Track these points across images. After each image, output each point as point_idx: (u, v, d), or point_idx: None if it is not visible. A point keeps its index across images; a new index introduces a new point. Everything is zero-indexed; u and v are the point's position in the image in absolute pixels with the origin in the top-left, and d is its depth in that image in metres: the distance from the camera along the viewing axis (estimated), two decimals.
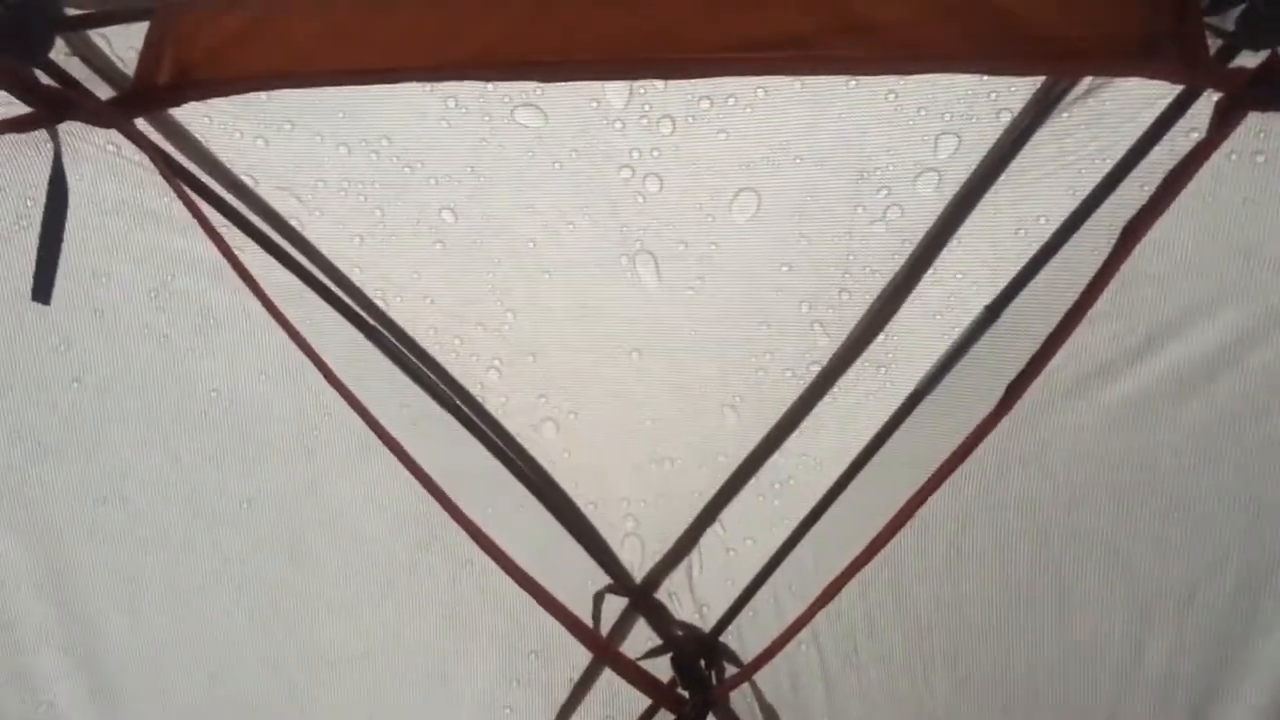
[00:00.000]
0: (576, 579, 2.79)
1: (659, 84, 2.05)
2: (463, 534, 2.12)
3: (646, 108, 2.08)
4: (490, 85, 2.04)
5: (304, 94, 2.08)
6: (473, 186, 2.22)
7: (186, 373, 2.34)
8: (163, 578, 2.48)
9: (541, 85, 2.04)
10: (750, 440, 2.58)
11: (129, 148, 2.12)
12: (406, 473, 2.07)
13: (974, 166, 2.10)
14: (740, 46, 1.76)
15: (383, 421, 2.01)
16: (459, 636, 2.80)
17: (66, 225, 2.04)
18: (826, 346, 2.39)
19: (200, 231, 2.06)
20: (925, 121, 2.04)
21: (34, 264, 2.00)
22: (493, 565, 2.11)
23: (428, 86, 2.06)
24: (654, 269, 2.31)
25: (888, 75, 1.94)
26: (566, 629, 2.24)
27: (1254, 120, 1.70)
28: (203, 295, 2.28)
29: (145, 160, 2.11)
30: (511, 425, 2.62)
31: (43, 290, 2.00)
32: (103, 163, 2.15)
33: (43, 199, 2.06)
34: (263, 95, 2.08)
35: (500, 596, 2.66)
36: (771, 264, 2.28)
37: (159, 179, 2.10)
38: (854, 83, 1.98)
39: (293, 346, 2.06)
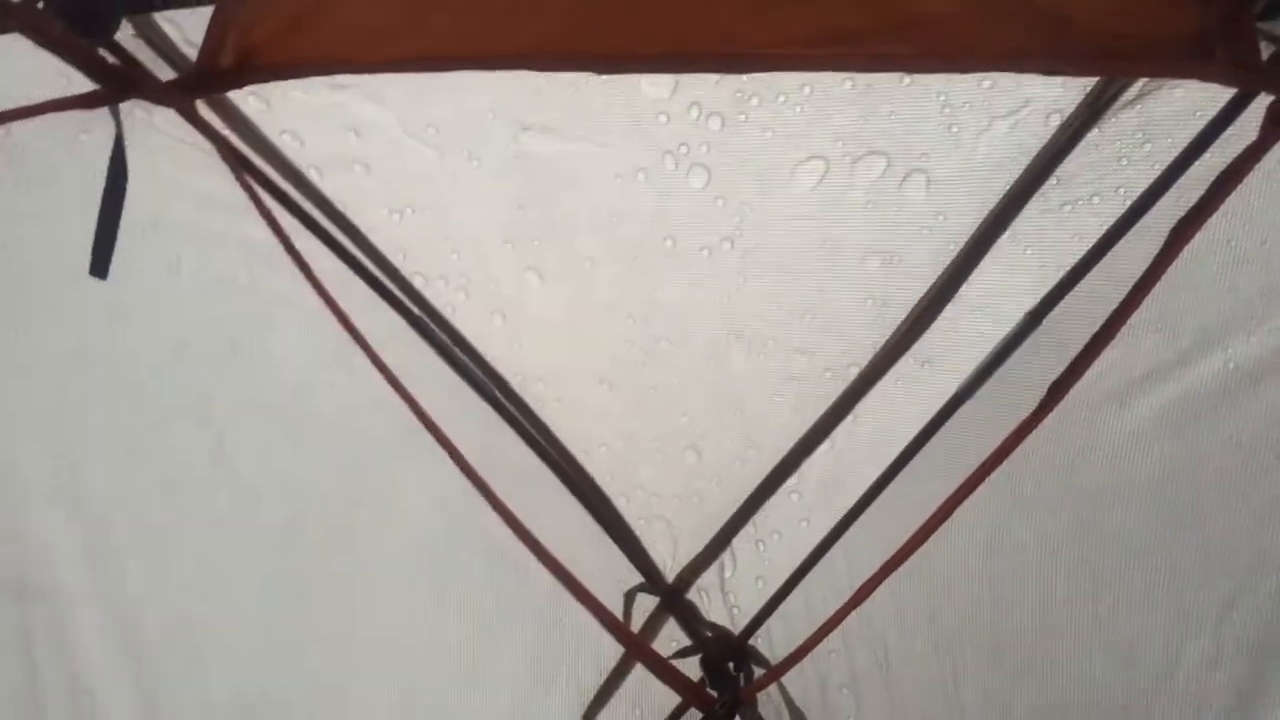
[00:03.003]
0: (608, 576, 2.79)
1: (711, 80, 2.07)
2: (499, 524, 2.13)
3: (696, 106, 2.11)
4: (543, 76, 2.07)
5: (358, 80, 2.13)
6: (519, 176, 2.25)
7: (235, 353, 2.37)
8: (201, 552, 2.52)
9: (589, 76, 2.06)
10: (787, 439, 2.58)
11: (187, 130, 2.16)
12: (447, 462, 2.09)
13: (1023, 169, 2.10)
14: (793, 42, 1.78)
15: (429, 407, 2.03)
16: (491, 626, 2.81)
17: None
18: (867, 347, 2.39)
19: (253, 215, 2.10)
20: (975, 121, 2.04)
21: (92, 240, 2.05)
22: (527, 557, 2.13)
23: (478, 75, 2.08)
24: (698, 263, 2.32)
25: (940, 74, 1.95)
26: (600, 622, 2.25)
27: None
28: (254, 277, 2.31)
29: (202, 143, 2.15)
30: (549, 417, 2.63)
31: (100, 265, 2.04)
32: (161, 144, 2.20)
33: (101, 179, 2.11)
34: (318, 81, 2.12)
35: (533, 588, 2.66)
36: (815, 262, 2.28)
37: (214, 161, 2.14)
38: (907, 80, 2.00)
39: (341, 331, 2.09)
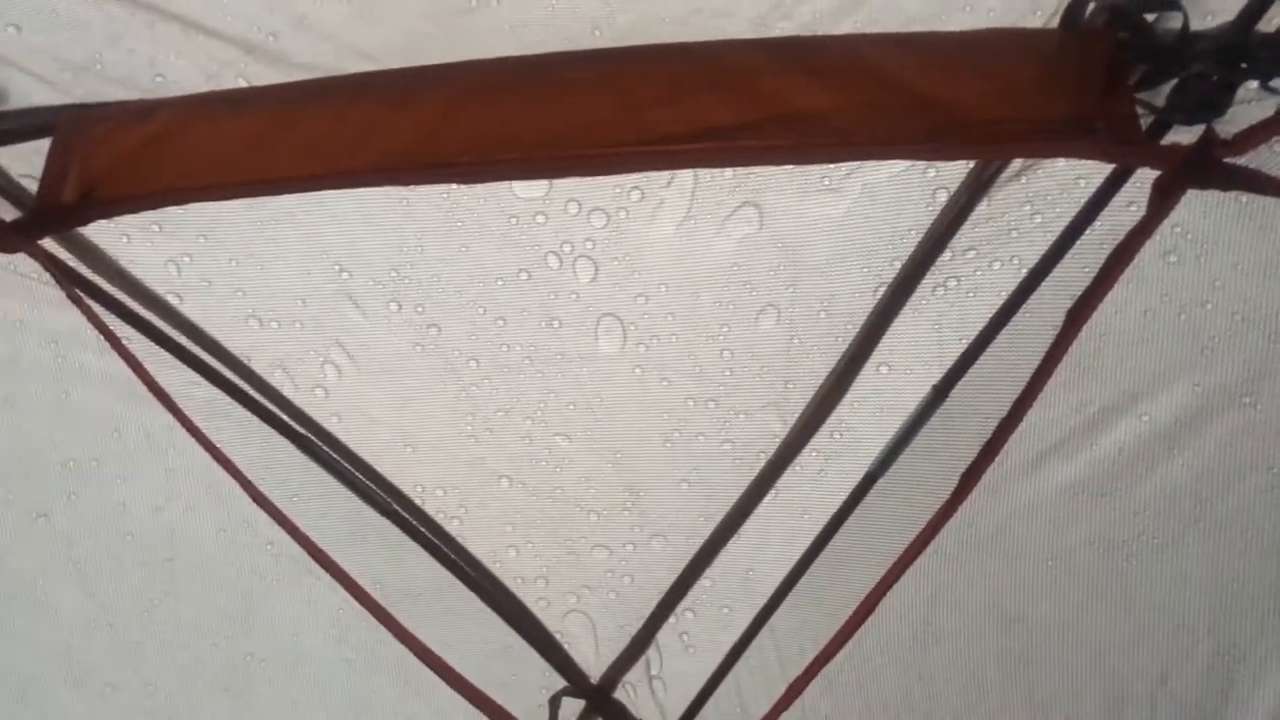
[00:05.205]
0: (532, 682, 2.68)
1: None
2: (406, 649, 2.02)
3: (575, 203, 2.03)
4: (408, 189, 1.97)
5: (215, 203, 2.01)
6: (395, 285, 2.15)
7: (101, 499, 2.22)
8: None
9: (460, 186, 1.98)
10: (703, 530, 2.49)
11: (35, 266, 2.02)
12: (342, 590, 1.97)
13: (915, 245, 2.05)
14: (662, 140, 1.70)
15: (319, 536, 1.91)
16: None
17: None
18: (775, 432, 2.32)
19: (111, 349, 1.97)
20: (863, 204, 1.99)
21: None
22: (438, 680, 2.02)
23: (343, 193, 1.98)
24: (594, 359, 2.24)
25: (817, 164, 1.90)
26: None
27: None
28: (116, 416, 2.17)
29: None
30: (453, 526, 2.51)
31: None
32: (9, 283, 2.06)
33: None
34: (172, 209, 2.00)
35: (448, 713, 2.54)
36: (714, 351, 2.21)
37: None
38: (789, 168, 1.94)
39: (215, 465, 1.96)
